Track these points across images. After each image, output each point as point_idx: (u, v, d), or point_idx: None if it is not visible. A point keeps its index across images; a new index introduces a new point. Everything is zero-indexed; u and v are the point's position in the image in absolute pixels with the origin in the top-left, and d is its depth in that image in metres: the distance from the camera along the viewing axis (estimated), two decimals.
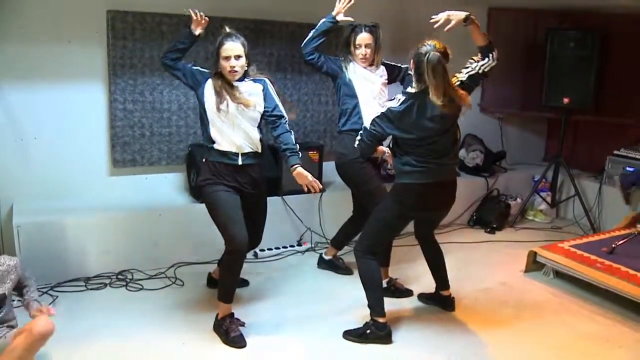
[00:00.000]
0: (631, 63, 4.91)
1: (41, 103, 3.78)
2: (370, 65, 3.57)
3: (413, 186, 2.96)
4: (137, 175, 4.20)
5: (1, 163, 3.75)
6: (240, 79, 3.03)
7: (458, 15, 2.92)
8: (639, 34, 4.86)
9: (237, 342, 2.99)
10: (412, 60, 2.87)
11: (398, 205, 3.03)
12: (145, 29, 3.95)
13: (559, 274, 3.96)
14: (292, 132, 3.15)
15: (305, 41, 3.56)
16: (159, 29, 3.98)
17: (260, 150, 3.13)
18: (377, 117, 2.95)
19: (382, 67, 3.64)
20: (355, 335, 3.10)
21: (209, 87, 3.01)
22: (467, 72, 2.95)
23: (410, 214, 3.12)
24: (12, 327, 2.60)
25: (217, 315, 3.11)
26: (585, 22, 5.16)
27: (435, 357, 2.97)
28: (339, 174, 3.67)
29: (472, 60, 2.97)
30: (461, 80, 2.94)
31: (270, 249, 4.25)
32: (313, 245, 4.42)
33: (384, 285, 3.51)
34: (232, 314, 3.09)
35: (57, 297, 3.45)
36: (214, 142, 3.05)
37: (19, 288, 2.73)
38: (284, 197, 4.29)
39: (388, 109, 2.91)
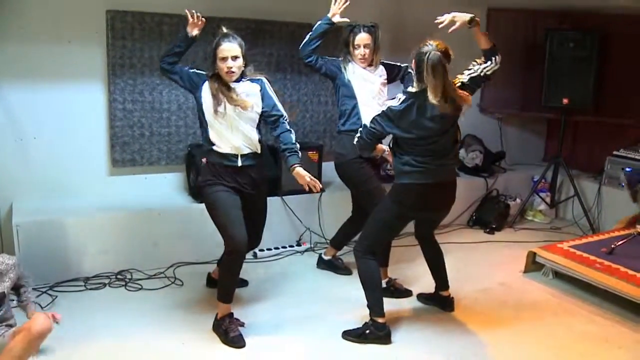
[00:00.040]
0: (630, 63, 4.92)
1: (41, 103, 3.78)
2: (369, 65, 3.57)
3: (413, 186, 2.96)
4: (136, 175, 4.20)
5: (1, 163, 3.75)
6: (238, 80, 3.02)
7: (463, 17, 2.92)
8: (638, 34, 4.86)
9: (237, 342, 2.99)
10: (413, 60, 2.87)
11: (397, 205, 3.03)
12: (145, 29, 3.95)
13: (558, 275, 3.96)
14: (292, 131, 3.14)
15: (302, 44, 3.56)
16: (158, 29, 3.98)
17: (259, 151, 3.13)
18: (377, 115, 2.96)
19: (382, 67, 3.64)
20: (354, 335, 3.10)
21: (206, 90, 3.01)
22: (469, 74, 2.95)
23: (409, 214, 3.12)
24: (11, 325, 2.61)
25: (217, 315, 3.10)
26: (585, 22, 5.16)
27: (435, 358, 2.97)
28: (338, 174, 3.68)
29: (474, 63, 2.97)
30: (462, 82, 2.94)
31: (269, 249, 4.25)
32: (312, 246, 4.42)
33: (383, 285, 3.51)
34: (232, 314, 3.09)
35: (56, 296, 3.45)
36: (213, 144, 3.04)
37: (16, 288, 2.73)
38: (283, 197, 4.29)
39: (388, 107, 2.91)
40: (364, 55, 3.52)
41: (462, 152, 5.25)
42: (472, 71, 2.95)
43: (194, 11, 3.02)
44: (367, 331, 3.07)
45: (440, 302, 3.48)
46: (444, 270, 3.44)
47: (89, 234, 3.71)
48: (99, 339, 3.01)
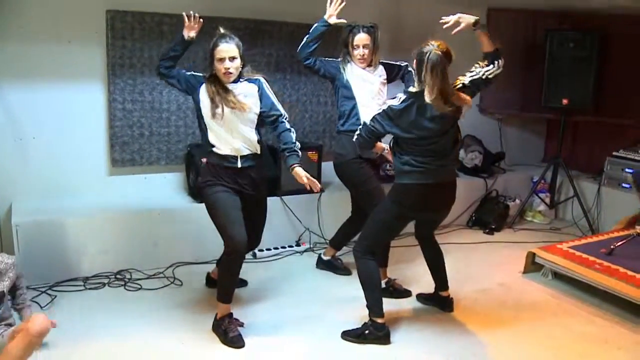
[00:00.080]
0: (630, 64, 4.92)
1: (40, 102, 3.78)
2: (369, 65, 3.57)
3: (412, 186, 2.96)
4: (136, 175, 4.20)
5: (0, 162, 3.74)
6: (235, 80, 3.02)
7: (468, 18, 2.91)
8: (638, 34, 4.86)
9: (236, 342, 2.98)
10: (414, 60, 2.87)
11: (397, 205, 3.03)
12: (145, 29, 3.95)
13: (558, 275, 3.96)
14: (292, 130, 3.13)
15: (300, 46, 3.56)
16: (158, 28, 3.98)
17: (259, 152, 3.12)
18: (378, 114, 2.96)
19: (381, 67, 3.64)
20: (353, 335, 3.10)
21: (203, 92, 3.00)
22: (471, 76, 2.94)
23: (409, 215, 3.12)
24: (10, 325, 2.60)
25: (216, 315, 3.10)
26: (585, 23, 5.16)
27: (434, 358, 2.97)
28: (337, 174, 3.68)
29: (477, 65, 2.97)
30: (463, 83, 2.93)
31: (269, 249, 4.25)
32: (312, 246, 4.42)
33: (383, 285, 3.51)
34: (231, 314, 3.09)
35: (55, 296, 3.45)
36: (213, 146, 3.04)
37: (12, 290, 2.72)
38: (282, 197, 4.29)
39: (388, 106, 2.92)
40: (363, 55, 3.52)
41: (461, 152, 5.25)
42: (474, 73, 2.94)
43: (191, 12, 3.01)
44: (367, 331, 3.07)
45: (439, 302, 3.48)
46: (443, 270, 3.44)
47: (88, 233, 3.71)
48: (98, 338, 3.01)
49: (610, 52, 4.97)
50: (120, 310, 3.34)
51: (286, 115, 3.14)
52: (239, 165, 3.05)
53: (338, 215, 4.04)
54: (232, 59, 2.95)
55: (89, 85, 3.91)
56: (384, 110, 2.94)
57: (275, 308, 3.45)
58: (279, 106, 3.13)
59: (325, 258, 4.03)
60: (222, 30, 3.00)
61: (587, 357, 3.03)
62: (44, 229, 3.57)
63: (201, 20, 3.03)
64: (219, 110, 2.95)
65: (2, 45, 3.62)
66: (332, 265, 4.01)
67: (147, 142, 4.14)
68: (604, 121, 5.23)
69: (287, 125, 3.12)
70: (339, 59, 3.61)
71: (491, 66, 2.91)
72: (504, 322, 3.38)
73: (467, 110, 2.95)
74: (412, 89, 2.89)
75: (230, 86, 3.00)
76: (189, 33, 3.01)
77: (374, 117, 2.98)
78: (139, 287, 3.65)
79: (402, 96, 2.91)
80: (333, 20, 3.51)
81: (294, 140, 3.10)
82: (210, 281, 3.66)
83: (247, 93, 3.03)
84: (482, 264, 4.28)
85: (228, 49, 2.94)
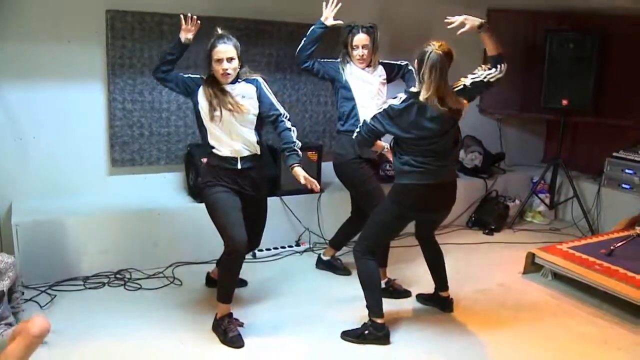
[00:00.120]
0: (630, 64, 4.92)
1: (40, 102, 3.78)
2: (368, 66, 3.57)
3: (412, 187, 2.96)
4: (136, 175, 4.20)
5: (0, 162, 3.74)
6: (233, 81, 3.01)
7: (474, 20, 2.91)
8: (638, 35, 4.86)
9: (235, 342, 2.98)
10: (416, 59, 2.87)
11: (397, 206, 3.03)
12: (145, 29, 3.95)
13: (557, 276, 3.96)
14: (293, 129, 3.11)
15: (298, 49, 3.56)
16: (158, 28, 3.98)
17: (259, 153, 3.12)
18: (378, 113, 2.96)
19: (380, 67, 3.64)
20: (353, 335, 3.10)
21: (201, 95, 2.99)
22: (472, 78, 2.93)
23: (409, 215, 3.12)
24: (10, 324, 2.60)
25: (216, 315, 3.10)
26: (585, 23, 5.16)
27: (434, 358, 2.97)
28: (336, 174, 3.68)
29: (480, 68, 2.96)
30: (464, 85, 2.92)
31: (268, 249, 4.25)
32: (311, 246, 4.42)
33: (382, 286, 3.50)
34: (231, 314, 3.08)
35: (55, 296, 3.45)
36: (212, 147, 3.04)
37: (9, 292, 2.71)
38: (282, 197, 4.29)
39: (389, 105, 2.92)
40: (362, 56, 3.52)
41: (461, 153, 5.25)
42: (475, 76, 2.93)
43: (189, 14, 3.00)
44: (366, 331, 3.07)
45: (439, 302, 3.48)
46: (443, 271, 3.44)
47: (88, 233, 3.71)
48: (97, 338, 3.01)
49: (610, 52, 4.97)
50: (120, 309, 3.34)
51: (286, 114, 3.12)
52: (239, 166, 3.05)
53: (338, 215, 4.04)
54: (230, 59, 2.94)
55: (89, 85, 3.91)
56: (384, 109, 2.94)
57: (275, 308, 3.45)
58: (278, 105, 3.12)
59: (324, 258, 4.03)
60: (219, 31, 2.99)
61: (586, 358, 3.03)
62: (44, 229, 3.57)
63: (199, 22, 3.02)
64: (217, 113, 2.95)
65: (2, 45, 3.62)
66: (331, 266, 4.01)
67: (147, 142, 4.14)
68: (603, 122, 5.23)
69: (287, 125, 3.11)
70: (338, 60, 3.61)
71: (493, 70, 2.90)
72: (504, 322, 3.38)
73: (465, 111, 2.95)
74: (413, 89, 2.90)
75: (228, 87, 2.99)
76: (186, 35, 3.00)
77: (374, 115, 2.98)
78: (139, 286, 3.65)
79: (403, 96, 2.91)
80: (330, 22, 3.50)
81: (293, 140, 3.08)
82: (210, 281, 3.66)
83: (245, 94, 3.03)
84: (481, 265, 4.28)
85: (226, 49, 2.93)
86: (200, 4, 3.94)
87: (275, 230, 4.12)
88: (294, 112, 4.51)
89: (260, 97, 3.07)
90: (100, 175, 4.09)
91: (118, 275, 3.76)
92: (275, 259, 4.22)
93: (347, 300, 3.53)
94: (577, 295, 3.75)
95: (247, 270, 3.76)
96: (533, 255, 4.06)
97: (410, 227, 3.37)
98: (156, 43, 3.97)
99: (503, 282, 3.96)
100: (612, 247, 3.87)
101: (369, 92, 3.55)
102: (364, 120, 3.07)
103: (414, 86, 2.91)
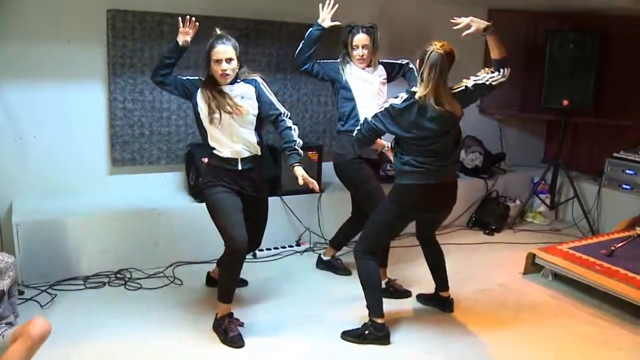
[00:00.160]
0: (631, 65, 4.92)
1: (41, 102, 3.78)
2: (368, 66, 3.57)
3: (413, 187, 2.96)
4: (136, 175, 4.20)
5: (1, 162, 3.74)
6: (232, 82, 3.00)
7: (479, 23, 2.89)
8: (638, 35, 4.87)
9: (236, 341, 2.98)
10: (418, 59, 2.88)
11: (397, 206, 3.03)
12: (145, 29, 3.95)
13: (558, 276, 3.96)
14: (293, 128, 3.09)
15: (297, 52, 3.56)
16: (159, 28, 3.98)
17: (259, 153, 3.11)
18: (380, 111, 2.96)
19: (381, 67, 3.63)
20: (353, 335, 3.10)
21: (200, 98, 2.99)
22: (475, 80, 2.92)
23: (409, 215, 3.12)
24: (11, 324, 2.60)
25: (217, 314, 3.10)
26: (585, 23, 5.16)
27: (434, 358, 2.97)
28: (336, 174, 3.68)
29: (483, 71, 2.96)
30: (466, 86, 2.91)
31: (269, 249, 4.25)
32: (312, 246, 4.42)
33: (383, 286, 3.50)
34: (231, 313, 3.08)
35: (55, 295, 3.45)
36: (213, 149, 3.04)
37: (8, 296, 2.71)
38: (283, 197, 4.29)
39: (390, 104, 2.92)
40: (362, 56, 3.51)
41: (462, 153, 5.25)
42: (478, 78, 2.92)
43: (187, 16, 2.99)
44: (366, 332, 3.07)
45: (439, 302, 3.48)
46: (444, 271, 3.44)
47: (88, 233, 3.71)
48: (98, 337, 3.01)
49: (611, 52, 4.97)
50: (120, 309, 3.34)
51: (287, 113, 3.10)
52: (240, 167, 3.05)
53: (338, 215, 4.04)
54: (229, 60, 2.94)
55: (90, 85, 3.91)
56: (385, 108, 2.94)
57: (276, 308, 3.45)
58: (278, 105, 3.10)
59: (325, 258, 4.03)
60: (218, 32, 2.99)
61: (587, 358, 3.03)
62: (44, 228, 3.57)
63: (197, 24, 3.01)
64: (216, 116, 2.95)
65: (2, 45, 3.62)
66: (332, 266, 4.01)
67: (147, 142, 4.14)
68: (604, 122, 5.23)
69: (288, 123, 3.09)
70: (338, 60, 3.61)
71: (496, 73, 2.88)
72: (504, 322, 3.38)
73: (461, 114, 2.95)
74: (414, 89, 2.90)
75: (227, 88, 2.98)
76: (184, 38, 3.00)
77: (375, 114, 2.98)
78: (139, 286, 3.65)
79: (405, 95, 2.91)
80: (327, 23, 3.50)
81: (294, 139, 3.06)
82: (210, 280, 3.66)
83: (244, 94, 3.02)
84: (482, 265, 4.28)
85: (225, 50, 2.93)
86: (201, 4, 3.95)
87: (275, 230, 4.11)
88: (295, 112, 4.51)
89: (260, 97, 3.06)
90: (101, 174, 4.09)
91: (118, 275, 3.76)
92: (276, 259, 4.22)
93: (347, 300, 3.53)
94: (577, 295, 3.75)
95: (248, 270, 3.76)
96: (533, 255, 4.05)
97: (411, 227, 3.37)
98: (157, 43, 3.97)
99: (503, 282, 3.96)
100: (612, 248, 3.87)
101: (369, 92, 3.54)
102: (365, 119, 3.06)
103: (416, 86, 2.91)
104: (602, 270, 3.65)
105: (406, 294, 3.65)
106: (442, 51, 2.76)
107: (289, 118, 3.11)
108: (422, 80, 2.84)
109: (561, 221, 5.47)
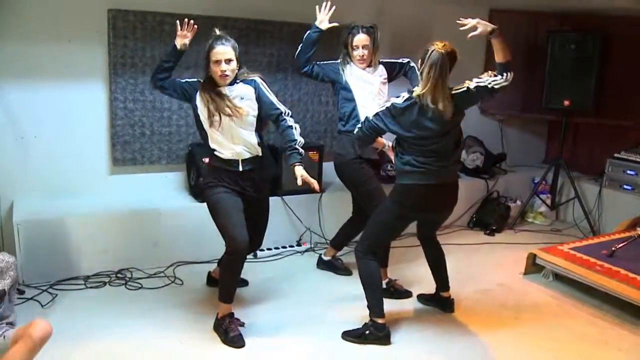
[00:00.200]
0: (632, 65, 4.92)
1: (41, 102, 3.78)
2: (369, 66, 3.57)
3: (413, 187, 2.96)
4: (137, 174, 4.20)
5: (1, 161, 3.74)
6: (231, 83, 3.00)
7: (486, 25, 2.87)
8: (639, 35, 4.86)
9: (236, 341, 2.98)
10: (419, 59, 2.87)
11: (398, 206, 3.03)
12: (147, 28, 3.95)
13: (558, 277, 3.96)
14: (295, 127, 3.07)
15: (296, 54, 3.57)
16: (160, 28, 3.98)
17: (260, 154, 3.11)
18: (381, 110, 2.96)
19: (381, 67, 3.63)
20: (354, 336, 3.10)
21: (199, 100, 2.99)
22: (477, 82, 2.89)
23: (410, 215, 3.12)
24: (11, 323, 2.60)
25: (217, 314, 3.10)
26: (586, 24, 5.15)
27: (435, 358, 2.97)
28: (337, 174, 3.68)
29: (486, 74, 2.94)
30: (468, 87, 2.90)
31: (269, 249, 4.25)
32: (312, 246, 4.42)
33: (383, 286, 3.50)
34: (232, 313, 3.08)
35: (56, 295, 3.45)
36: (214, 150, 3.04)
37: (2, 297, 2.70)
38: (283, 197, 4.29)
39: (391, 104, 2.93)
40: (363, 56, 3.51)
41: (462, 153, 5.25)
42: (481, 81, 2.90)
43: (185, 19, 2.99)
44: (367, 332, 3.07)
45: (440, 303, 3.48)
46: (445, 271, 3.44)
47: (89, 232, 3.71)
48: (98, 337, 3.01)
49: (612, 53, 4.97)
50: (121, 309, 3.34)
51: (288, 112, 3.09)
52: (241, 169, 3.05)
53: (339, 215, 4.04)
54: (228, 61, 2.93)
55: (90, 85, 3.91)
56: (386, 107, 2.94)
57: (276, 308, 3.45)
58: (279, 104, 3.09)
59: (325, 258, 4.03)
60: (217, 32, 2.98)
61: (587, 358, 3.03)
62: (45, 228, 3.58)
63: (195, 26, 3.01)
64: (216, 119, 2.94)
65: (2, 45, 3.61)
66: (332, 266, 4.01)
67: (148, 142, 4.14)
68: (605, 123, 5.23)
69: (289, 122, 3.07)
70: (338, 61, 3.61)
71: (499, 77, 2.84)
72: (505, 323, 3.38)
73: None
74: (416, 88, 2.90)
75: (226, 89, 2.98)
76: (182, 41, 2.99)
77: (376, 112, 2.98)
78: (140, 286, 3.65)
79: (406, 95, 2.91)
80: (324, 25, 3.50)
81: (295, 138, 3.05)
82: (211, 280, 3.66)
83: (243, 95, 3.01)
84: (483, 265, 4.28)
85: (224, 51, 2.92)
86: (202, 4, 3.95)
87: (276, 230, 4.12)
88: (296, 111, 4.51)
89: (260, 97, 3.05)
90: (102, 174, 4.09)
91: (119, 275, 3.76)
92: (277, 259, 4.22)
93: (348, 300, 3.53)
94: (578, 296, 3.75)
95: (248, 270, 3.76)
96: (534, 255, 4.05)
97: (412, 227, 3.37)
98: (158, 42, 3.97)
99: (504, 282, 3.96)
100: (613, 248, 3.87)
101: (369, 92, 3.54)
102: (366, 117, 3.06)
103: (417, 86, 2.91)
104: (602, 270, 3.65)
105: (407, 294, 3.65)
106: (443, 51, 2.76)
107: (291, 117, 3.10)
108: (422, 79, 2.84)
109: (562, 221, 5.47)
